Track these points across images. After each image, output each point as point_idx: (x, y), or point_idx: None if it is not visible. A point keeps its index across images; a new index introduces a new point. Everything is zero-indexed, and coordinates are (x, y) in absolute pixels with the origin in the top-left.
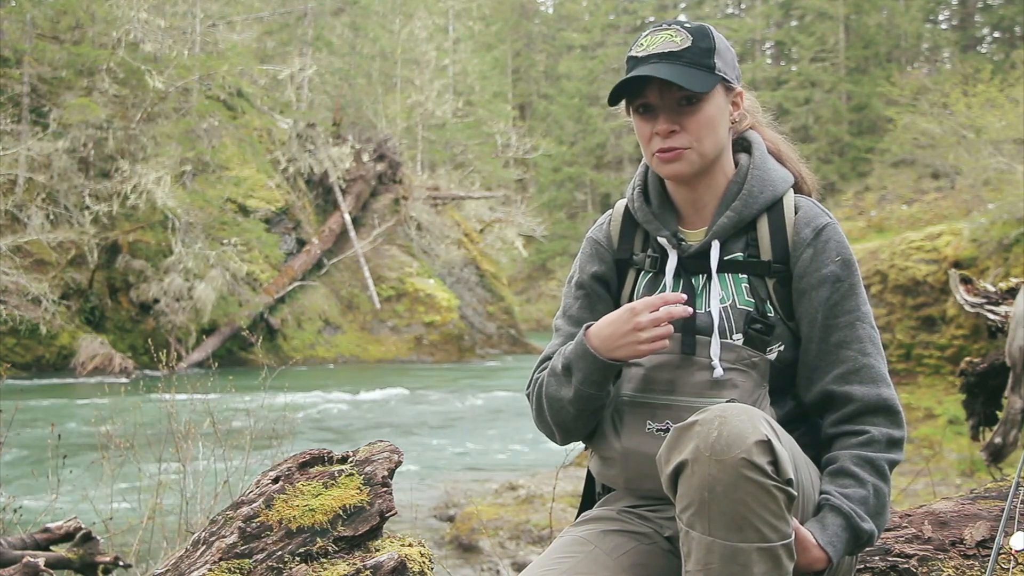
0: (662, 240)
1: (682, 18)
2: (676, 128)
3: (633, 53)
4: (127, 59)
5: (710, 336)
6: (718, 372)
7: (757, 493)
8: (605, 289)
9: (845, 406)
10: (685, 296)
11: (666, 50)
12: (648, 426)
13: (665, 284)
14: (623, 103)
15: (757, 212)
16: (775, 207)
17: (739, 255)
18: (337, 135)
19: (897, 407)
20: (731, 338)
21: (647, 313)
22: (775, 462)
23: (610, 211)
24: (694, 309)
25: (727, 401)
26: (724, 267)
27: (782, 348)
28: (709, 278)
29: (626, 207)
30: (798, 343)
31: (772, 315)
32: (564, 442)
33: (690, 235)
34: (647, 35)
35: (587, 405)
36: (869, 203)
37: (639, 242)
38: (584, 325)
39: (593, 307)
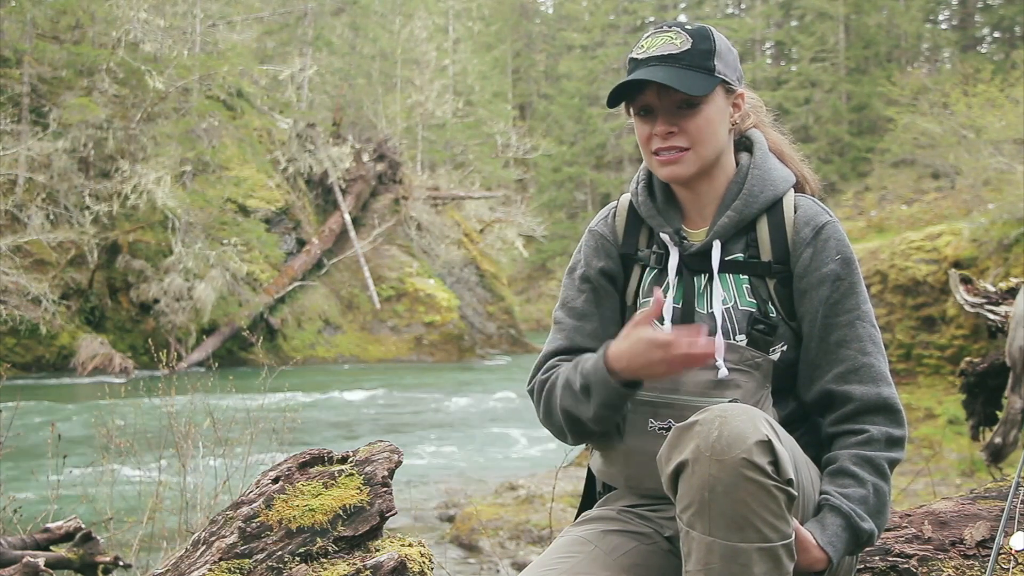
0: (664, 237)
1: (683, 19)
2: (674, 130)
3: (634, 55)
4: (127, 59)
5: (713, 336)
6: (722, 372)
7: (757, 493)
8: (612, 285)
9: (844, 405)
10: (712, 350)
11: (666, 52)
12: (650, 424)
13: (668, 283)
14: (623, 105)
15: (757, 212)
16: (775, 207)
17: (739, 255)
18: (337, 135)
19: (897, 406)
20: (734, 339)
21: (675, 346)
22: (775, 462)
23: (613, 204)
24: (696, 309)
25: (728, 401)
26: (725, 267)
27: (784, 348)
28: (711, 278)
29: (630, 203)
30: (800, 343)
31: (774, 315)
32: (576, 443)
33: (693, 234)
34: (648, 37)
35: (608, 422)
36: (869, 203)
37: (644, 238)
38: (604, 346)
39: (599, 302)
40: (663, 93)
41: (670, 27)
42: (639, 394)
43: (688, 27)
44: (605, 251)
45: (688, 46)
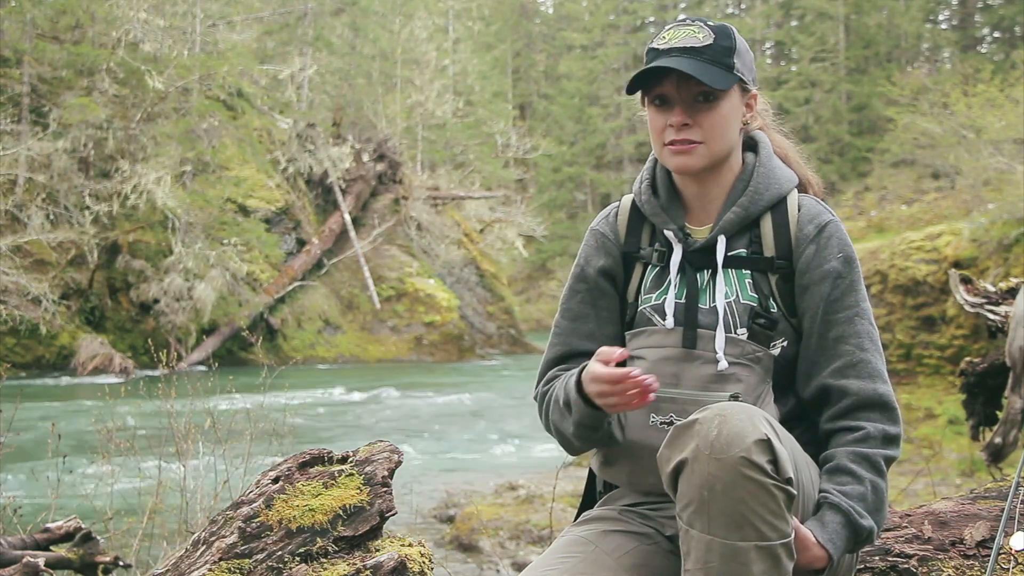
0: (668, 233)
1: (682, 18)
2: (690, 122)
3: (655, 45)
4: (127, 59)
5: (714, 331)
6: (723, 365)
7: (756, 492)
8: (611, 284)
9: (841, 400)
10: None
11: (688, 45)
12: (652, 419)
13: (670, 281)
14: (639, 94)
15: (762, 209)
16: (779, 205)
17: (742, 251)
18: (337, 135)
19: (893, 403)
20: (735, 332)
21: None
22: (775, 461)
23: (615, 204)
24: (698, 304)
25: (729, 397)
26: (728, 263)
27: (785, 344)
28: (714, 274)
29: (633, 202)
30: (800, 340)
31: (775, 311)
32: (577, 455)
33: (696, 232)
34: (670, 29)
35: (588, 440)
36: (869, 203)
37: (646, 236)
38: (581, 366)
39: (595, 302)
40: (682, 84)
41: (693, 21)
42: None
43: (710, 23)
44: (606, 250)
45: (710, 41)
